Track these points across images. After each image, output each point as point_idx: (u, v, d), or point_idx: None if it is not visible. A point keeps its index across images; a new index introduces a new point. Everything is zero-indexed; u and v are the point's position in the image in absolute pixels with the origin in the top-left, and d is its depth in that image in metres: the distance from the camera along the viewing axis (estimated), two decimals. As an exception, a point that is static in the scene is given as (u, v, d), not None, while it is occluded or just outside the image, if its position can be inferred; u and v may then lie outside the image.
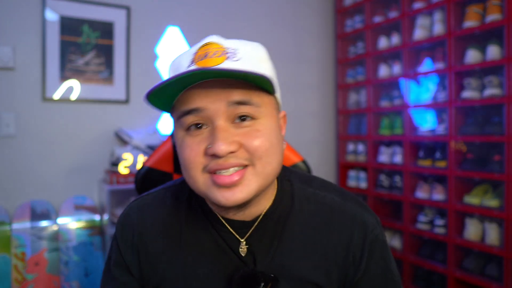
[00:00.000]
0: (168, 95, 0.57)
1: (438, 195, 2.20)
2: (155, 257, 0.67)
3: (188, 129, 0.58)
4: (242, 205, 0.60)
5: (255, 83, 0.57)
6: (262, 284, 0.60)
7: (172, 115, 0.63)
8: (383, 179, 2.56)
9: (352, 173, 2.80)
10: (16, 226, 1.92)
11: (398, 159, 2.44)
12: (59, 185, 2.11)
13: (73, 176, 2.15)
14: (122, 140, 2.23)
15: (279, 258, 0.64)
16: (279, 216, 0.66)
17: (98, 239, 2.07)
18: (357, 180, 2.74)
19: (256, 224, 0.64)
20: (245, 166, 0.57)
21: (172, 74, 0.60)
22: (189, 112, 0.57)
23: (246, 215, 0.64)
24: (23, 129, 2.03)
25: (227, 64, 0.57)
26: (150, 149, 2.14)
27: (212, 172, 0.57)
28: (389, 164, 2.50)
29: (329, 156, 2.99)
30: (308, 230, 0.65)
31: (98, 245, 2.06)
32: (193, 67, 0.57)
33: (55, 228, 1.99)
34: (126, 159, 2.06)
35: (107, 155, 2.21)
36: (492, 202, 1.95)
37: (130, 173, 2.03)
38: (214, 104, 0.56)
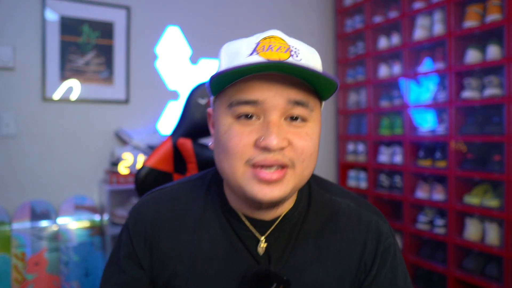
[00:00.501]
0: (225, 80, 0.56)
1: (438, 195, 2.20)
2: (166, 252, 0.66)
3: (238, 117, 0.57)
4: (275, 204, 0.59)
5: (318, 86, 0.57)
6: (275, 284, 0.59)
7: (216, 100, 0.62)
8: (383, 179, 2.56)
9: (352, 173, 2.80)
10: (16, 226, 1.92)
11: (398, 159, 2.44)
12: (59, 185, 2.11)
13: (73, 176, 2.15)
14: (122, 140, 2.23)
15: (293, 260, 0.63)
16: (297, 218, 0.66)
17: (98, 239, 2.07)
18: (357, 180, 2.74)
19: (275, 224, 0.64)
20: (285, 167, 0.57)
21: (228, 60, 0.59)
22: (247, 102, 0.55)
23: (269, 214, 0.64)
24: (23, 129, 2.03)
25: (293, 61, 0.55)
26: (150, 149, 2.15)
27: (257, 167, 0.56)
28: (389, 164, 2.50)
29: (329, 156, 2.99)
30: (323, 235, 0.65)
31: (98, 245, 2.06)
32: (255, 57, 0.57)
33: (55, 228, 1.99)
34: (126, 159, 2.06)
35: (107, 155, 2.21)
36: (492, 202, 1.95)
37: (130, 173, 2.03)
38: (275, 99, 0.55)
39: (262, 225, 0.64)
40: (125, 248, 0.69)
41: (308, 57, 0.60)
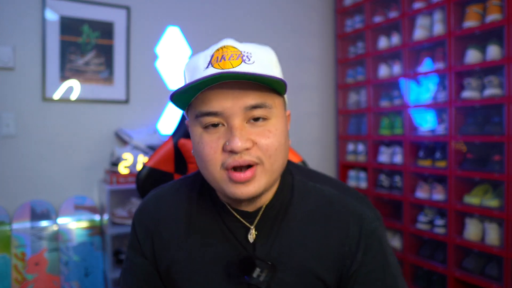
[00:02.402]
0: (188, 95, 0.62)
1: (438, 195, 2.20)
2: (167, 241, 0.73)
3: (205, 127, 0.63)
4: (253, 198, 0.65)
5: (270, 86, 0.63)
6: (258, 270, 0.64)
7: (188, 112, 0.67)
8: (383, 179, 2.56)
9: (352, 173, 2.80)
10: (16, 226, 1.92)
11: (398, 159, 2.44)
12: (59, 185, 2.11)
13: (73, 176, 2.15)
14: (122, 140, 2.23)
15: (278, 247, 0.69)
16: (280, 207, 0.71)
17: (98, 239, 2.07)
18: (357, 180, 2.74)
19: (260, 214, 0.70)
20: (255, 164, 0.62)
21: (190, 75, 0.65)
22: (209, 114, 0.61)
23: (251, 206, 0.70)
24: (23, 129, 2.03)
25: (243, 67, 0.61)
26: (150, 149, 2.14)
27: (229, 169, 0.62)
28: (389, 164, 2.50)
29: (329, 156, 2.99)
30: (307, 221, 0.70)
31: (98, 245, 2.06)
32: (211, 69, 0.62)
33: (55, 228, 1.99)
34: (126, 159, 2.06)
35: (107, 155, 2.21)
36: (492, 202, 1.95)
37: (130, 173, 2.03)
38: (232, 109, 0.61)
39: (248, 216, 0.70)
40: (131, 240, 0.79)
41: (262, 57, 0.64)
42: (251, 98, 0.61)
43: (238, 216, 0.70)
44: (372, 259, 0.67)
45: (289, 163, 0.77)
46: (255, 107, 0.61)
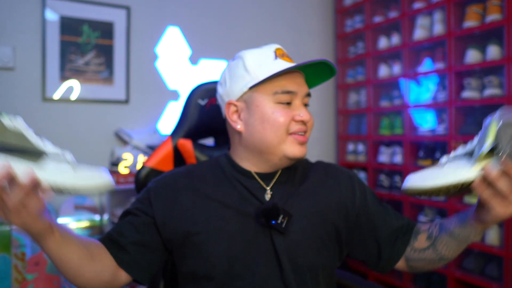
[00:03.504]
0: (262, 71, 0.82)
1: (438, 195, 2.20)
2: (187, 208, 0.83)
3: (278, 103, 0.81)
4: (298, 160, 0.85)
5: (310, 84, 0.89)
6: (281, 216, 0.78)
7: (254, 91, 0.83)
8: (383, 179, 2.56)
9: (352, 173, 2.80)
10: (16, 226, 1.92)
11: (398, 159, 2.44)
12: (59, 185, 2.10)
13: (73, 176, 2.15)
14: (122, 140, 2.23)
15: (290, 201, 0.84)
16: (290, 171, 0.89)
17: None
18: (357, 180, 2.74)
19: (277, 175, 0.87)
20: (305, 133, 0.84)
21: (257, 63, 0.83)
22: (288, 92, 0.82)
23: (273, 168, 0.87)
24: (23, 129, 2.03)
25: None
26: (150, 149, 2.15)
27: (293, 134, 0.82)
28: (389, 164, 2.50)
29: (329, 156, 2.99)
30: (313, 179, 0.90)
31: (98, 245, 2.06)
32: (280, 61, 0.84)
33: (55, 228, 1.99)
34: (126, 159, 2.06)
35: (107, 155, 2.21)
36: (492, 202, 1.95)
37: (130, 173, 2.03)
38: (302, 91, 0.84)
39: (267, 178, 0.87)
40: (140, 199, 0.87)
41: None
42: (307, 88, 0.86)
43: (258, 179, 0.86)
44: (369, 196, 0.91)
45: None
46: (308, 94, 0.86)
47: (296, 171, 0.90)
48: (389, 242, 0.88)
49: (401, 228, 0.89)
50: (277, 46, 0.87)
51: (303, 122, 0.82)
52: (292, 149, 0.82)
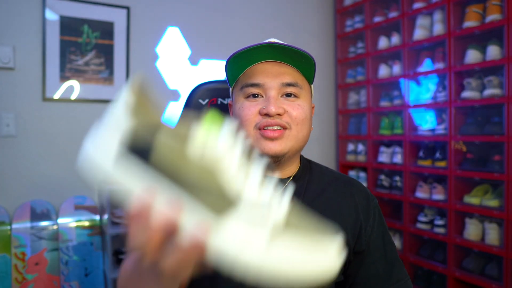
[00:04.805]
0: (237, 68, 0.77)
1: (438, 195, 2.20)
2: None
3: (247, 97, 0.77)
4: (278, 159, 0.76)
5: (300, 69, 0.78)
6: None
7: (234, 86, 0.81)
8: (383, 179, 2.56)
9: (352, 173, 2.80)
10: (16, 226, 1.92)
11: (398, 159, 2.44)
12: (59, 185, 2.11)
13: (73, 176, 2.15)
14: (122, 140, 2.23)
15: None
16: (304, 178, 0.83)
17: (98, 239, 2.07)
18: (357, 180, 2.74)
19: (289, 180, 0.81)
20: (285, 129, 0.74)
21: (233, 64, 0.77)
22: (252, 85, 0.76)
23: (281, 174, 0.81)
24: (23, 129, 2.03)
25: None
26: (150, 149, 2.14)
27: (261, 129, 0.74)
28: (389, 164, 2.50)
29: (329, 156, 2.99)
30: (324, 194, 0.82)
31: (98, 245, 2.06)
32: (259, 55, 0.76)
33: (55, 228, 1.99)
34: (126, 159, 2.06)
35: (107, 155, 2.21)
36: (492, 202, 1.95)
37: (130, 173, 2.02)
38: (271, 83, 0.75)
39: (278, 183, 0.80)
40: None
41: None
42: (287, 77, 0.76)
43: None
44: (378, 227, 0.82)
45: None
46: (289, 84, 0.76)
47: (311, 177, 0.83)
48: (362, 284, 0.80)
49: (380, 278, 0.80)
50: (272, 39, 0.81)
51: (268, 115, 0.73)
52: (260, 144, 0.74)
